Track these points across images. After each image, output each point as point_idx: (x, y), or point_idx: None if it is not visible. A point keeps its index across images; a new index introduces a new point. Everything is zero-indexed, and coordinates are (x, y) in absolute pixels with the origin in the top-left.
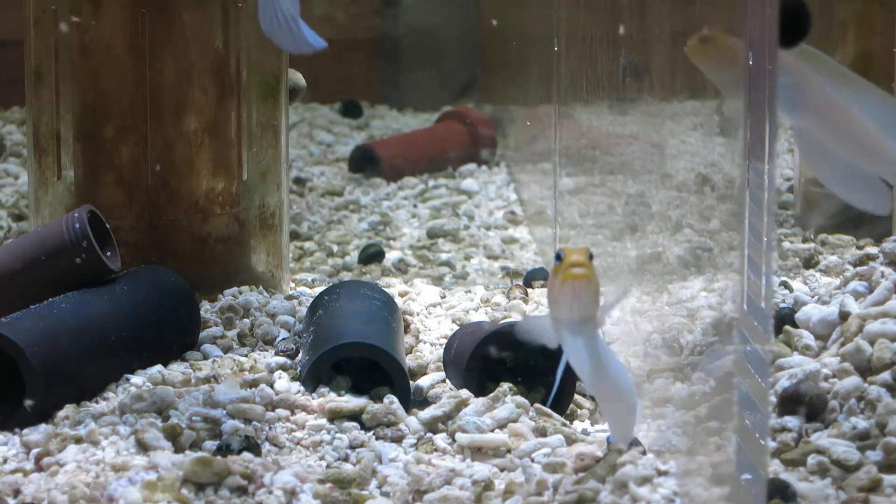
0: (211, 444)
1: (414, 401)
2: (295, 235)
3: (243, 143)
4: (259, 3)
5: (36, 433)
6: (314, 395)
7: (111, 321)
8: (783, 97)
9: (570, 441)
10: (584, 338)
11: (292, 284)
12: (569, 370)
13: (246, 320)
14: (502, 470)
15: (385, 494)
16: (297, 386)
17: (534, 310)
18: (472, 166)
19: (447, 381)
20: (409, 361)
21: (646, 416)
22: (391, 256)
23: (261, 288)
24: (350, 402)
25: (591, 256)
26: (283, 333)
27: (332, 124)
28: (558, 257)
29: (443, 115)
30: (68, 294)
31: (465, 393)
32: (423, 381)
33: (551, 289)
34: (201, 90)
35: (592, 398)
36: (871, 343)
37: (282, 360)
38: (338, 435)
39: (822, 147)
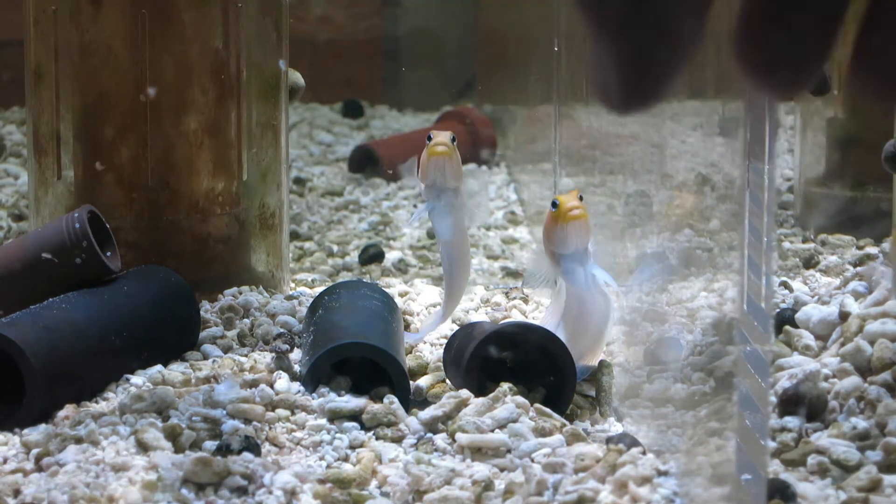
0: (211, 444)
1: (414, 401)
2: (295, 235)
3: (243, 143)
4: None
5: (36, 433)
6: (314, 395)
7: (111, 321)
8: None
9: (571, 441)
10: (583, 264)
11: (292, 284)
12: (570, 370)
13: (246, 320)
14: (502, 470)
15: (385, 494)
16: (297, 386)
17: (534, 310)
18: (471, 166)
19: (447, 381)
20: (409, 361)
21: (645, 417)
22: (391, 256)
23: (261, 288)
24: (350, 402)
25: (581, 198)
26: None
27: (332, 124)
28: (554, 204)
29: (443, 116)
30: (68, 294)
31: (465, 393)
32: (423, 381)
33: (552, 230)
34: (201, 90)
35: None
36: (871, 343)
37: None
38: (338, 435)
39: None
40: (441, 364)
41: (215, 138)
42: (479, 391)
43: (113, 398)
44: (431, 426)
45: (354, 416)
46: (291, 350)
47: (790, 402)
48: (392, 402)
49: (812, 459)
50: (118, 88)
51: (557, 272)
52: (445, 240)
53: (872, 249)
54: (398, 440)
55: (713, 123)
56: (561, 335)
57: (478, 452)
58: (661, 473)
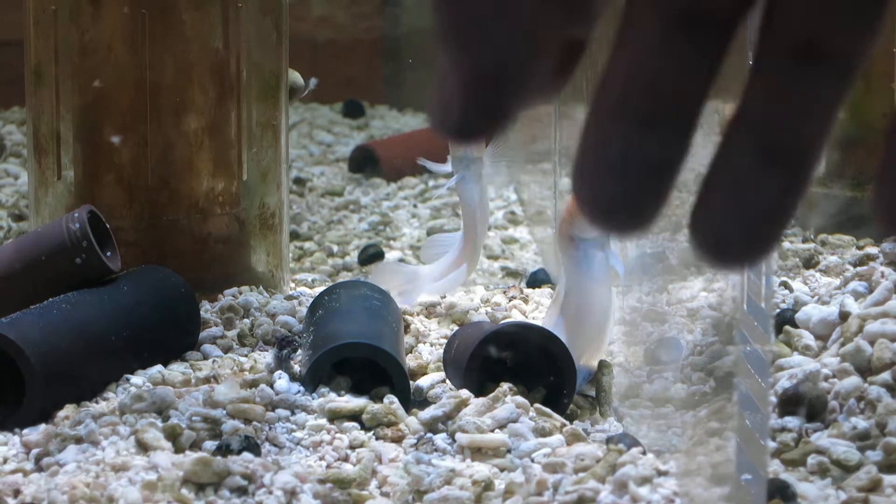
0: (211, 445)
1: (414, 401)
2: (295, 235)
3: (243, 143)
4: None
5: (36, 433)
6: (314, 395)
7: (111, 321)
8: None
9: (571, 441)
10: (604, 249)
11: (292, 284)
12: (570, 370)
13: (246, 320)
14: (502, 470)
15: (385, 494)
16: (297, 386)
17: (534, 310)
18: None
19: (447, 381)
20: (409, 361)
21: (645, 417)
22: (391, 256)
23: (261, 288)
24: (350, 402)
25: None
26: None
27: (332, 124)
28: None
29: None
30: (68, 294)
31: (465, 393)
32: (423, 381)
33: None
34: (201, 90)
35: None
36: (871, 343)
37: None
38: (338, 435)
39: None
40: (441, 364)
41: (215, 138)
42: (479, 391)
43: (113, 398)
44: (431, 426)
45: (354, 416)
46: (294, 352)
47: (790, 402)
48: (392, 402)
49: (812, 459)
50: (118, 88)
51: (572, 257)
52: (473, 207)
53: (872, 249)
54: (398, 440)
55: (713, 123)
56: (560, 332)
57: (478, 452)
58: (661, 473)
